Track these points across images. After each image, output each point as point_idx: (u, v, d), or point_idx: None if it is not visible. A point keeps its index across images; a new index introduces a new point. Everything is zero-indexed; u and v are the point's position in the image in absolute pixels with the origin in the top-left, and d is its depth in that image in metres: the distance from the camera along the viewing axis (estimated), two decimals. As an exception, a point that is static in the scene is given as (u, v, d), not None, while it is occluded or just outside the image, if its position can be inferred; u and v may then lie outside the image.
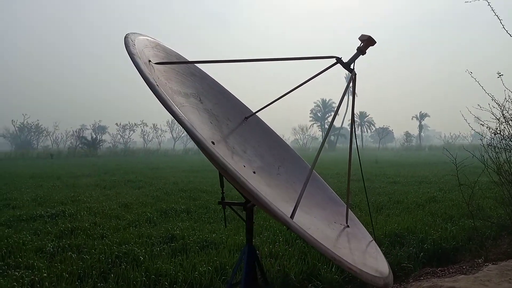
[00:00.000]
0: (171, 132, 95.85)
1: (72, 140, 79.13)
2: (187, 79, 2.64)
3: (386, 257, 5.82)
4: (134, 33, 2.11)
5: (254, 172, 2.69)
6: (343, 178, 19.00)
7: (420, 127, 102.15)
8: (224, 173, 1.58)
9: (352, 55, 2.28)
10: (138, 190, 14.09)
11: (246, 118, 3.13)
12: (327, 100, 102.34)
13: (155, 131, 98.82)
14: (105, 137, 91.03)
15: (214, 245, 6.24)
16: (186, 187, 14.05)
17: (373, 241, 2.56)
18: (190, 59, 2.76)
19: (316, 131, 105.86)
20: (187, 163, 36.33)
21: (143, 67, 1.67)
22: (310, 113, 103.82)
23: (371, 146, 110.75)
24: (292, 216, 1.80)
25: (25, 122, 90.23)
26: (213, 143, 2.51)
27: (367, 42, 2.24)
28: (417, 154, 55.79)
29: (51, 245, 6.23)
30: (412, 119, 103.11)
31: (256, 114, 3.20)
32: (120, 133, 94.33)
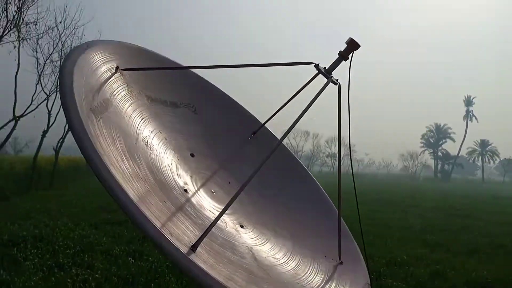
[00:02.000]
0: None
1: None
2: (180, 87, 2.59)
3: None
4: (100, 40, 2.13)
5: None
6: (437, 213, 17.01)
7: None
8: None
9: (333, 62, 1.95)
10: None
11: (254, 133, 2.95)
12: (442, 125, 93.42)
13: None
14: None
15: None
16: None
17: (369, 286, 2.12)
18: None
19: (428, 159, 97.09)
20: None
21: (68, 68, 1.64)
22: (421, 139, 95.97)
23: (495, 180, 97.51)
24: (194, 247, 1.47)
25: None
26: (192, 155, 2.40)
27: (349, 46, 1.91)
28: (553, 192, 47.13)
29: (118, 248, 6.69)
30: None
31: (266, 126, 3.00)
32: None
